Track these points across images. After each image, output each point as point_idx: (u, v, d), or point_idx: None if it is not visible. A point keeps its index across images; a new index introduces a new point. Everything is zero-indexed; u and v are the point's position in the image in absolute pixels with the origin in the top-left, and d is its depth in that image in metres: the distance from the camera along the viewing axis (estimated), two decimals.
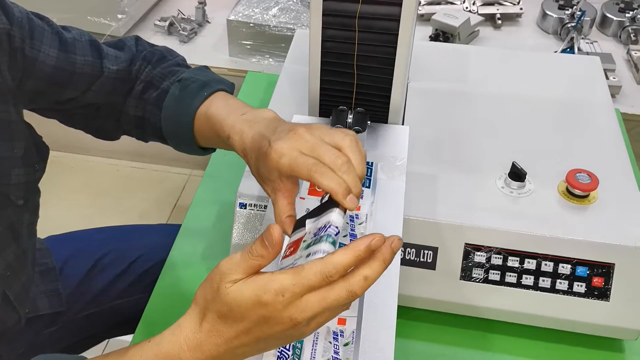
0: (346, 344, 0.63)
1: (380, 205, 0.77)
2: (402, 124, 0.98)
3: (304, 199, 0.78)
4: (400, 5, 0.80)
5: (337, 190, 0.61)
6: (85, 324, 1.08)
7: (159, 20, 1.98)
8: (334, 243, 0.57)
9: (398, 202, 0.78)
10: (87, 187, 2.16)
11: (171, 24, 1.95)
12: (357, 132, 0.84)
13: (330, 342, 0.63)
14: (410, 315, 0.91)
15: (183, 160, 2.15)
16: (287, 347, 0.63)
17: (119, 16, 1.90)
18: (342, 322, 0.65)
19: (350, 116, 0.87)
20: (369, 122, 0.88)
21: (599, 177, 0.89)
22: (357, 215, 0.76)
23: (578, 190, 0.89)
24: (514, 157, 0.92)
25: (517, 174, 0.91)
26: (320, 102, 0.92)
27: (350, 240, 0.72)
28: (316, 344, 0.63)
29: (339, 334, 0.64)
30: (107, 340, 1.20)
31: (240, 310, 0.55)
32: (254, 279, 0.56)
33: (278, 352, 0.63)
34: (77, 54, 0.85)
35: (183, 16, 2.01)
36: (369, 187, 0.80)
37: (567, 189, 0.90)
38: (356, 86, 0.88)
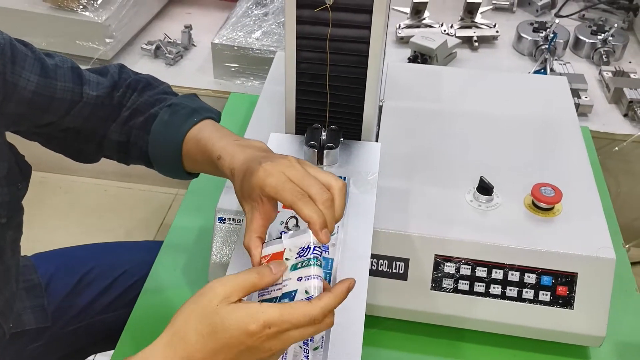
0: (315, 349, 0.66)
1: (351, 217, 0.81)
2: (376, 141, 1.03)
3: (279, 211, 0.81)
4: (369, 28, 0.85)
5: (315, 221, 0.65)
6: (70, 339, 1.10)
7: (146, 44, 2.02)
8: (320, 265, 0.64)
9: (368, 215, 0.82)
10: (75, 207, 2.18)
11: (157, 47, 1.99)
12: (330, 148, 0.88)
13: (301, 347, 0.66)
14: (383, 325, 0.94)
15: (169, 180, 2.18)
16: None
17: (107, 40, 1.94)
18: None
19: (324, 133, 0.91)
20: (341, 139, 0.92)
21: (564, 191, 0.93)
22: None
23: (543, 203, 0.93)
24: (483, 172, 0.96)
25: (484, 188, 0.95)
26: (297, 121, 0.96)
27: (324, 251, 0.76)
28: (287, 351, 0.66)
29: (309, 339, 0.67)
30: (93, 355, 1.22)
31: (225, 332, 0.59)
32: (246, 306, 0.60)
33: None
34: (58, 80, 0.87)
35: (169, 40, 2.05)
36: None
37: (533, 202, 0.94)
38: (330, 105, 0.92)
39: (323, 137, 0.90)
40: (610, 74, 1.85)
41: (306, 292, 0.62)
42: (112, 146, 0.95)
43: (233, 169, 0.77)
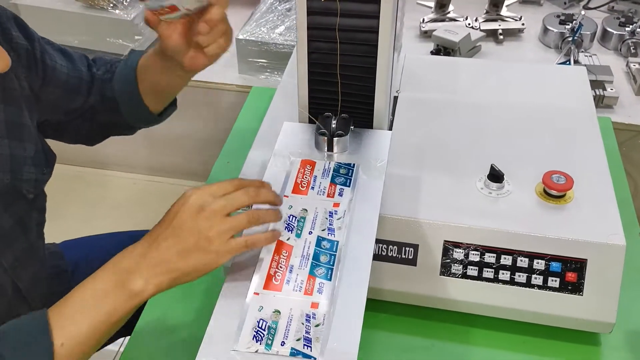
0: (317, 325, 0.68)
1: (358, 202, 0.83)
2: (390, 130, 1.04)
3: (287, 197, 0.84)
4: (377, 18, 0.86)
5: None
6: None
7: None
8: None
9: (375, 199, 0.83)
10: (104, 199, 2.24)
11: None
12: (340, 135, 0.90)
13: (303, 324, 0.69)
14: (393, 310, 0.96)
15: (198, 174, 2.23)
16: (263, 326, 0.69)
17: (136, 37, 1.99)
18: (314, 305, 0.70)
19: (334, 121, 0.92)
20: (352, 127, 0.94)
21: (576, 179, 0.94)
22: (335, 211, 0.81)
23: (554, 190, 0.93)
24: (495, 161, 0.96)
25: (495, 176, 0.95)
26: (310, 110, 0.98)
27: (329, 234, 0.78)
28: (290, 324, 0.69)
29: (311, 316, 0.69)
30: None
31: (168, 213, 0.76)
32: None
33: (254, 331, 0.68)
34: (79, 64, 1.01)
35: None
36: (349, 186, 0.85)
37: (544, 190, 0.94)
38: (341, 94, 0.94)
39: (333, 125, 0.92)
40: (637, 66, 1.82)
41: None
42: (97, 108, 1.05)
43: None
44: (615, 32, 1.96)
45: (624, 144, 1.70)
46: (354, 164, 0.89)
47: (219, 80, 1.90)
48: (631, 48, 1.90)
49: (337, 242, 0.77)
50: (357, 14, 0.86)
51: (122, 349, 0.95)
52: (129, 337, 0.97)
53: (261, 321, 0.69)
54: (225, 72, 1.96)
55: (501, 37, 2.01)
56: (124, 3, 1.96)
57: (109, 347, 0.95)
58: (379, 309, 0.96)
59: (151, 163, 2.24)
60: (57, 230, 1.14)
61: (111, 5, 1.94)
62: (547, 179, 0.94)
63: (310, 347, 0.67)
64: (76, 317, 0.72)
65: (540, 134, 1.06)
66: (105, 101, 1.04)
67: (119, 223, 2.13)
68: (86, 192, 2.27)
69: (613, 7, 2.16)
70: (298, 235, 0.78)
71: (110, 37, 1.98)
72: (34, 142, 0.91)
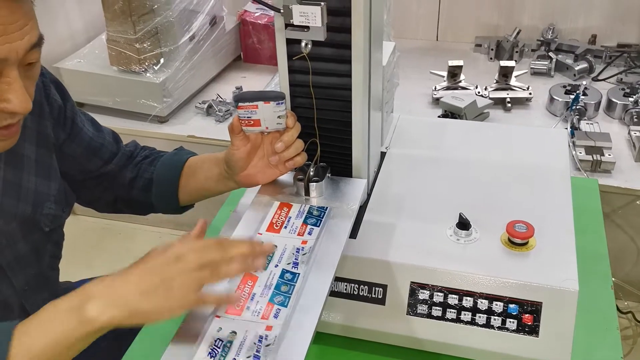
0: (268, 345, 0.76)
1: (325, 241, 0.91)
2: (373, 183, 1.12)
3: (261, 234, 0.93)
4: (349, 76, 0.97)
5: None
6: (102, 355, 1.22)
7: (200, 103, 2.23)
8: None
9: (341, 238, 0.92)
10: (131, 252, 2.36)
11: (210, 106, 2.19)
12: (316, 181, 1.00)
13: (255, 344, 0.76)
14: (363, 348, 1.02)
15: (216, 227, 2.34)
16: (219, 345, 0.76)
17: (165, 99, 2.15)
18: (269, 328, 0.78)
19: (312, 169, 1.02)
20: (329, 175, 1.03)
21: (540, 229, 1.00)
22: (302, 247, 0.90)
23: (516, 238, 1.00)
24: (465, 211, 1.03)
25: (463, 223, 1.02)
26: None
27: (293, 267, 0.87)
28: (243, 344, 0.76)
29: (264, 337, 0.77)
30: None
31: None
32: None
33: (210, 348, 0.76)
34: (105, 133, 1.15)
35: (221, 99, 2.24)
36: (319, 226, 0.94)
37: (508, 238, 1.01)
38: (320, 145, 1.04)
39: (311, 173, 1.01)
40: (638, 134, 1.88)
41: None
42: (124, 183, 1.16)
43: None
44: (619, 102, 2.03)
45: (623, 207, 1.74)
46: (326, 207, 0.98)
47: None
48: (634, 117, 1.97)
49: (299, 274, 0.85)
50: (329, 72, 0.97)
51: None
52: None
53: (218, 340, 0.77)
54: None
55: (509, 105, 2.10)
56: (155, 68, 2.13)
57: None
58: (351, 347, 1.02)
59: (174, 218, 2.36)
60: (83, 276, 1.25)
61: (143, 70, 2.11)
62: (510, 227, 1.01)
63: None
64: (34, 332, 0.74)
65: (511, 187, 1.13)
66: (138, 179, 1.15)
67: None
68: (116, 244, 2.39)
69: (622, 79, 2.24)
70: (265, 269, 0.86)
71: (141, 98, 2.15)
72: (58, 182, 1.05)
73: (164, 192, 1.14)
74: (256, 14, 2.52)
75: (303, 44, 0.90)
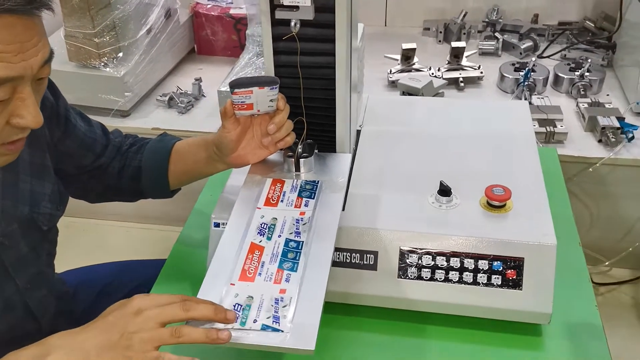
0: (285, 306, 0.81)
1: (321, 211, 0.96)
2: (353, 159, 1.18)
3: (260, 208, 0.97)
4: (334, 55, 1.01)
5: None
6: None
7: (161, 96, 2.23)
8: None
9: (336, 208, 0.97)
10: (99, 248, 2.35)
11: (171, 98, 2.20)
12: (305, 157, 1.04)
13: (272, 306, 0.81)
14: (357, 312, 1.07)
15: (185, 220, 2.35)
16: (238, 308, 0.81)
17: (126, 93, 2.15)
18: (283, 291, 0.83)
19: (301, 146, 1.06)
20: (316, 151, 1.08)
21: (515, 191, 1.07)
22: (302, 218, 0.95)
23: (495, 201, 1.07)
24: (444, 179, 1.10)
25: (444, 190, 1.09)
26: None
27: (295, 236, 0.91)
28: (261, 306, 0.81)
29: (279, 299, 0.82)
30: None
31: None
32: None
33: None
34: (95, 128, 1.16)
35: (181, 91, 2.25)
36: (313, 198, 0.99)
37: (487, 201, 1.08)
38: (307, 124, 1.08)
39: (299, 150, 1.06)
40: (586, 105, 2.00)
41: None
42: (113, 173, 1.18)
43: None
44: (566, 76, 2.15)
45: (578, 174, 1.85)
46: (318, 181, 1.02)
47: (204, 130, 2.06)
48: (580, 90, 2.08)
49: (302, 242, 0.90)
50: (315, 52, 1.02)
51: None
52: None
53: (237, 305, 0.81)
54: (209, 123, 2.11)
55: (462, 84, 2.19)
56: (114, 62, 2.12)
57: None
58: (346, 312, 1.08)
59: (143, 212, 2.37)
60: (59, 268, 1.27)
61: (102, 64, 2.10)
62: (488, 191, 1.08)
63: (279, 322, 0.79)
64: None
65: (484, 156, 1.21)
66: (127, 168, 1.17)
67: None
68: (82, 241, 2.37)
69: (565, 55, 2.36)
70: (269, 239, 0.91)
71: (102, 93, 2.14)
72: (52, 182, 1.06)
73: (154, 180, 1.16)
74: (208, 6, 2.52)
75: (292, 24, 0.94)
